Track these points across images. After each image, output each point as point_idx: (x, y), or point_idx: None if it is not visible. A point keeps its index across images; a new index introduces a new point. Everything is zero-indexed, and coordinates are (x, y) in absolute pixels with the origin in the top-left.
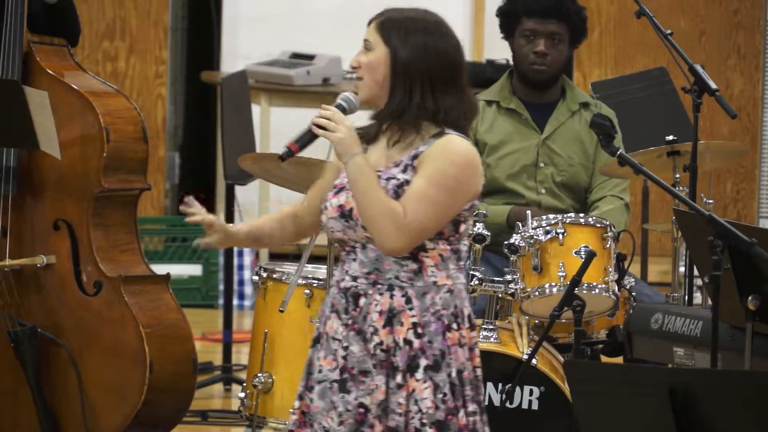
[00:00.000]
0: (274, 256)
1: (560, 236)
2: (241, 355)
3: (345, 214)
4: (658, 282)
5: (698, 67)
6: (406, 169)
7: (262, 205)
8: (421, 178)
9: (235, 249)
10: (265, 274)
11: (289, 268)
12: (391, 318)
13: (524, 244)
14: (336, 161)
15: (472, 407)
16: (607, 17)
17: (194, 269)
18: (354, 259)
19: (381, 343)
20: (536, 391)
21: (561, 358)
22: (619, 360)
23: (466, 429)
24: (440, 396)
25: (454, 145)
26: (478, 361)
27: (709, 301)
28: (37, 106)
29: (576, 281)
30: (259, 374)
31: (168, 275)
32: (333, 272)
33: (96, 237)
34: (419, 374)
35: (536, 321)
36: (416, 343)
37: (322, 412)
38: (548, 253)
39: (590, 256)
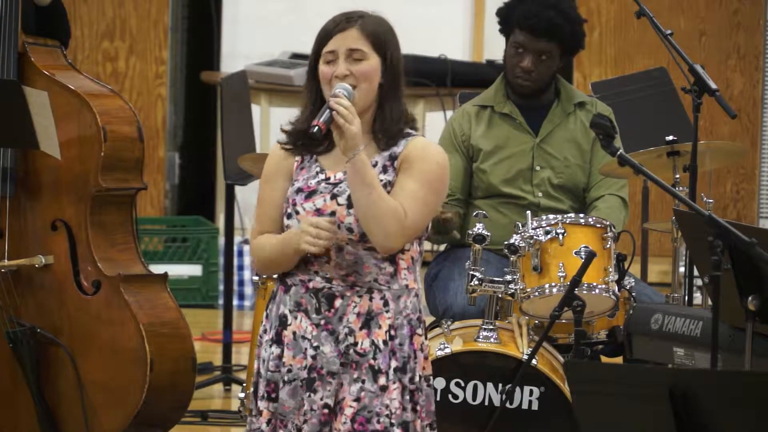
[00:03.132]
0: None
1: (560, 236)
2: (241, 355)
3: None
4: (658, 282)
5: (698, 68)
6: (385, 169)
7: None
8: (411, 180)
9: (235, 249)
10: (265, 275)
11: None
12: (369, 320)
13: (524, 244)
14: (274, 169)
15: (426, 420)
16: (607, 17)
17: (194, 269)
18: (327, 261)
19: (356, 344)
20: (536, 391)
21: (561, 359)
22: (619, 360)
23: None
24: (407, 397)
25: (432, 146)
26: (429, 369)
27: (709, 302)
28: (37, 106)
29: (576, 281)
30: None
31: (165, 274)
32: (291, 270)
33: (94, 236)
34: (390, 375)
35: (536, 321)
36: (390, 344)
37: (293, 411)
38: (548, 253)
39: (590, 256)
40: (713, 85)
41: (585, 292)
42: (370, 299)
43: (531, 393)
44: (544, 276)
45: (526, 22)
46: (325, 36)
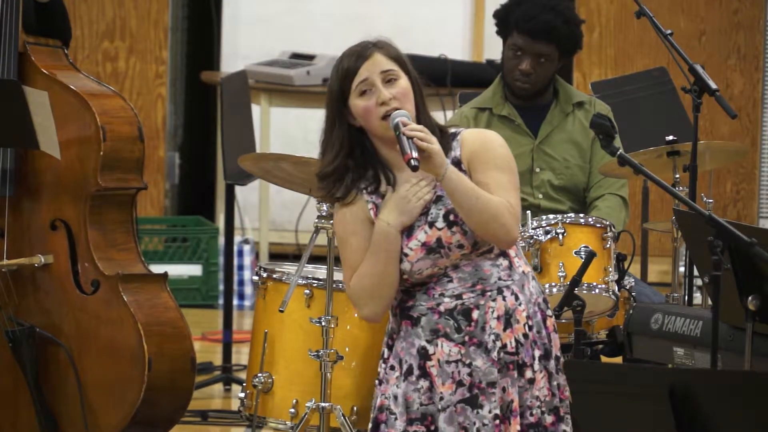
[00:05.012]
0: (274, 257)
1: (560, 236)
2: (241, 355)
3: (432, 249)
4: (658, 282)
5: (698, 67)
6: None
7: (262, 206)
8: (491, 172)
9: (235, 249)
10: (265, 274)
11: (289, 268)
12: (508, 319)
13: (524, 244)
14: (351, 223)
15: (567, 400)
16: (607, 17)
17: (194, 269)
18: (449, 281)
19: (504, 346)
20: None
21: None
22: (619, 360)
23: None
24: (554, 383)
25: (485, 133)
26: (558, 346)
27: (709, 301)
28: (37, 106)
29: (576, 281)
30: (259, 374)
31: (165, 274)
32: (412, 303)
33: (93, 236)
34: (536, 365)
35: None
36: (530, 335)
37: None
38: (548, 253)
39: (590, 256)
40: (713, 85)
41: (585, 291)
42: (504, 299)
43: None
44: (544, 276)
45: (525, 25)
46: (350, 71)
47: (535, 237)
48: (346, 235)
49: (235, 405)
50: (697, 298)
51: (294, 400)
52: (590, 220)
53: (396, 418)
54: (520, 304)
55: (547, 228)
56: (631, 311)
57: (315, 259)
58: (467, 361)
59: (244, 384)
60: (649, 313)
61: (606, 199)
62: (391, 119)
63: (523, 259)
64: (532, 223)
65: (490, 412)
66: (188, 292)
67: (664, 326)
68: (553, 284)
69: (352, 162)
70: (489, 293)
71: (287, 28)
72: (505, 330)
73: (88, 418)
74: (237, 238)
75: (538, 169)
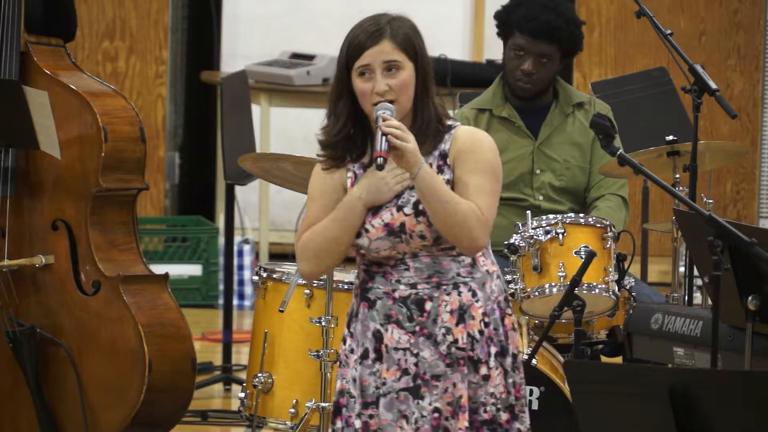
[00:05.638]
0: (274, 257)
1: (560, 236)
2: (241, 355)
3: (395, 231)
4: (658, 282)
5: (698, 67)
6: (440, 169)
7: (262, 206)
8: (473, 174)
9: (235, 249)
10: (265, 274)
11: (289, 268)
12: (462, 314)
13: (524, 244)
14: (322, 187)
15: (522, 399)
16: (607, 17)
17: (194, 269)
18: (406, 269)
19: (456, 341)
20: (536, 391)
21: (561, 358)
22: (619, 360)
23: (521, 412)
24: (510, 381)
25: (478, 133)
26: (518, 345)
27: (709, 301)
28: (37, 106)
29: (576, 281)
30: (259, 374)
31: (166, 275)
32: (371, 285)
33: (94, 237)
34: (491, 362)
35: (536, 321)
36: (485, 332)
37: (391, 423)
38: (548, 253)
39: (590, 256)
40: (713, 85)
41: (585, 291)
42: (459, 294)
43: (531, 393)
44: (544, 276)
45: (527, 25)
46: (357, 50)
47: (535, 237)
48: (317, 193)
49: (235, 405)
50: (697, 298)
51: (294, 400)
52: (590, 220)
53: (355, 402)
54: (477, 301)
55: (547, 228)
56: (631, 311)
57: None
58: (415, 351)
59: (244, 384)
60: (649, 313)
61: (606, 199)
62: (375, 111)
63: (490, 258)
64: (532, 223)
65: (430, 404)
66: (188, 292)
67: (664, 326)
68: (553, 284)
69: (354, 131)
70: (444, 287)
71: (287, 28)
72: (457, 325)
73: (88, 418)
74: (237, 238)
75: (538, 171)
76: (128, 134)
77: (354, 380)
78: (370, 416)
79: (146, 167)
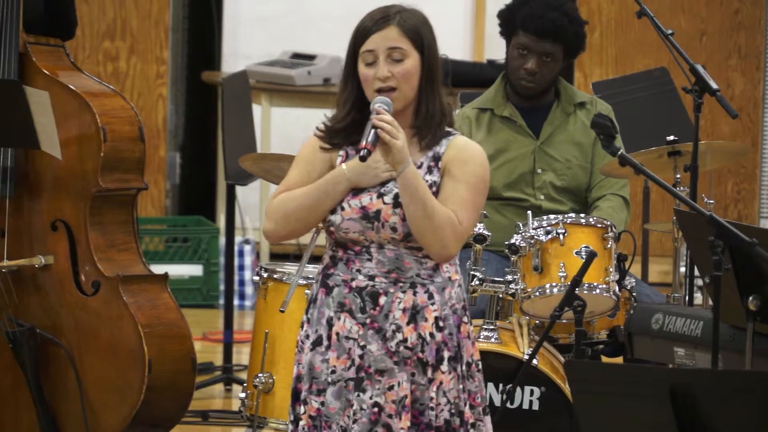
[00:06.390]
0: (275, 256)
1: (561, 236)
2: (241, 355)
3: (369, 216)
4: (659, 282)
5: (699, 67)
6: (430, 170)
7: (263, 206)
8: (459, 184)
9: (236, 249)
10: (265, 275)
11: (290, 268)
12: (414, 314)
13: (525, 244)
14: (312, 155)
15: (480, 406)
16: (607, 17)
17: (195, 269)
18: (369, 259)
19: (405, 340)
20: (537, 391)
21: (562, 359)
22: (620, 360)
23: (471, 418)
24: (461, 387)
25: (473, 146)
26: (477, 354)
27: (710, 302)
28: (37, 106)
29: (577, 281)
30: (260, 374)
31: (166, 275)
32: (333, 271)
33: (94, 237)
34: (444, 366)
35: (537, 321)
36: (438, 336)
37: (338, 411)
38: (549, 253)
39: (591, 256)
40: (714, 85)
41: (586, 292)
42: (414, 294)
43: (532, 393)
44: (544, 276)
45: (531, 24)
46: (362, 34)
47: (535, 237)
48: (303, 162)
49: (235, 405)
50: (698, 298)
51: None
52: (591, 220)
53: (310, 387)
54: (432, 304)
55: (548, 228)
56: (631, 311)
57: (316, 259)
58: (362, 343)
59: (245, 384)
60: (649, 313)
61: (607, 199)
62: (372, 103)
63: (455, 267)
64: (532, 223)
65: (371, 398)
66: (189, 292)
67: (665, 326)
68: (554, 284)
69: (358, 116)
70: (401, 284)
71: (288, 28)
72: (408, 324)
73: (88, 418)
74: (238, 238)
75: (539, 170)
76: (127, 134)
77: (307, 365)
78: (322, 403)
79: (147, 167)
